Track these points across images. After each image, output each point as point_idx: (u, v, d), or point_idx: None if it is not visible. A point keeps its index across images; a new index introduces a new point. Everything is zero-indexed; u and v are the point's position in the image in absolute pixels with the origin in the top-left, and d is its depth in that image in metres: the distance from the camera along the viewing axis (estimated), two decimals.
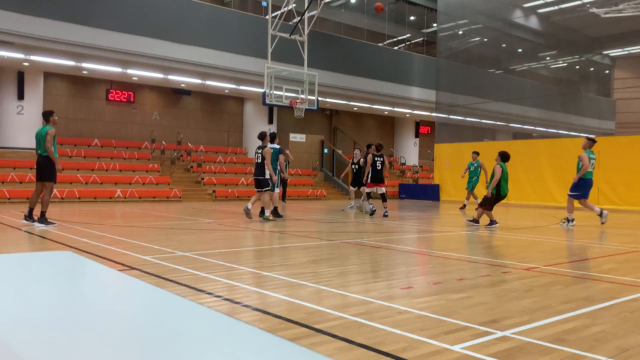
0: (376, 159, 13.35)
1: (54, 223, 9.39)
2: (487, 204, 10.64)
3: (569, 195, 11.18)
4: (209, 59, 19.59)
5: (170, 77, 20.48)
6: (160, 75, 20.23)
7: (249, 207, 11.22)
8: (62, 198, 17.27)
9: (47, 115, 9.62)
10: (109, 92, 22.06)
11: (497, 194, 10.53)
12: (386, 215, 12.80)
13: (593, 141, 11.40)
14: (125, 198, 18.42)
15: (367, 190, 13.75)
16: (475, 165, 16.04)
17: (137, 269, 5.19)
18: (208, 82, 21.40)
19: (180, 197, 19.41)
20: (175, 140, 23.04)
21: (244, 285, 4.55)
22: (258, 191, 11.53)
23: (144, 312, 1.52)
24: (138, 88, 22.66)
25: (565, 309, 3.84)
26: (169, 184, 20.17)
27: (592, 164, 11.03)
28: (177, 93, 23.64)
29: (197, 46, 19.32)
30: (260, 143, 11.98)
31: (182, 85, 22.17)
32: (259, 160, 11.45)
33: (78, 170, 19.05)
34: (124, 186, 18.97)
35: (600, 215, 10.94)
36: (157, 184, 19.85)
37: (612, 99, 32.49)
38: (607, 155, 17.86)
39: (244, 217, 11.46)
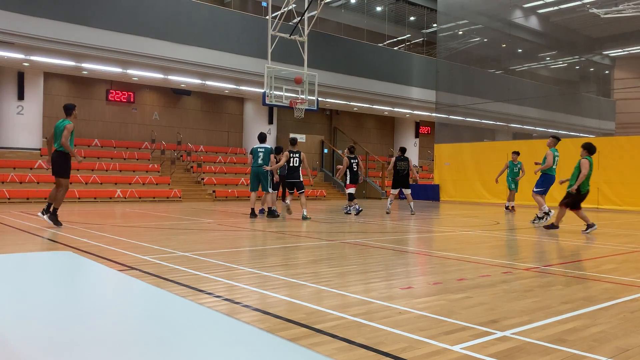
0: (352, 161, 13.94)
1: (61, 225, 9.25)
2: (572, 202, 9.86)
3: (535, 192, 11.54)
4: (209, 59, 19.60)
5: (170, 77, 20.49)
6: (160, 76, 20.24)
7: (288, 202, 12.51)
8: None
9: (69, 109, 9.25)
10: (109, 92, 22.06)
11: (578, 192, 9.87)
12: (348, 213, 13.54)
13: (557, 139, 11.88)
14: (125, 198, 18.43)
15: (349, 191, 13.97)
16: (519, 166, 15.98)
17: (137, 269, 5.19)
18: (208, 82, 21.42)
19: (180, 197, 19.41)
20: (175, 140, 23.05)
21: (243, 285, 4.55)
22: (290, 192, 12.68)
23: (144, 312, 1.52)
24: (138, 88, 22.66)
25: (565, 309, 3.84)
26: (169, 184, 20.18)
27: (556, 162, 11.56)
28: (177, 93, 23.65)
29: (197, 46, 19.34)
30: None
31: (182, 85, 22.18)
32: (297, 164, 12.36)
33: (78, 170, 19.04)
34: (124, 186, 18.98)
35: (547, 214, 11.18)
36: (157, 184, 19.86)
37: (612, 99, 32.49)
38: (607, 156, 17.87)
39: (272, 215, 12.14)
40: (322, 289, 4.46)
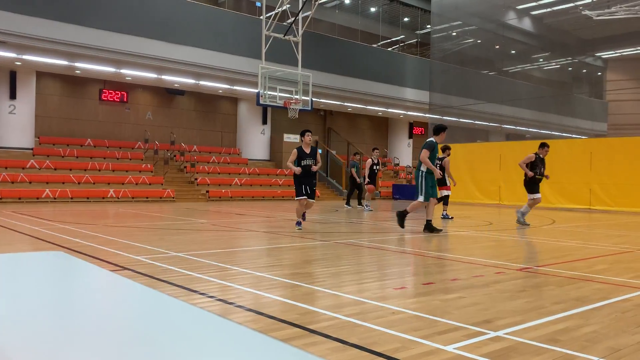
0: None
1: None
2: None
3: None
4: (203, 59, 19.57)
5: (164, 77, 20.42)
6: (153, 75, 20.17)
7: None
8: (55, 198, 17.18)
9: None
10: (102, 92, 21.97)
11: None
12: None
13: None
14: (118, 198, 18.35)
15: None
16: None
17: (130, 269, 5.16)
18: (202, 82, 21.37)
19: (173, 198, 19.35)
20: (169, 140, 22.98)
21: (237, 285, 4.54)
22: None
23: (136, 313, 1.51)
24: (131, 88, 22.58)
25: (557, 310, 3.86)
26: (162, 184, 20.11)
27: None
28: (170, 93, 23.58)
29: (191, 46, 19.29)
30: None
31: (176, 85, 22.12)
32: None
33: (71, 170, 18.96)
34: (117, 186, 18.90)
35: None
36: (150, 184, 19.79)
37: (604, 100, 32.68)
38: (599, 157, 17.98)
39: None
40: (315, 289, 4.46)
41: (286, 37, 17.92)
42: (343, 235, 8.94)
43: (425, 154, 9.12)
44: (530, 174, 10.83)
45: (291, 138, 25.55)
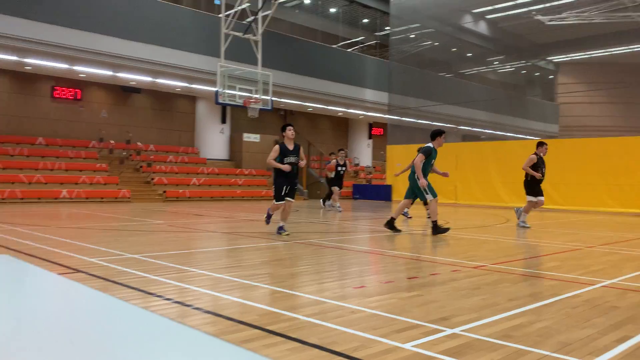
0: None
1: None
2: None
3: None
4: (160, 57, 19.20)
5: (120, 74, 19.93)
6: (109, 73, 19.66)
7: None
8: (3, 199, 16.52)
9: None
10: (54, 89, 21.28)
11: None
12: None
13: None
14: (71, 198, 17.80)
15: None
16: None
17: (83, 272, 5.01)
18: (159, 80, 20.97)
19: (129, 198, 18.92)
20: (125, 139, 22.46)
21: (195, 287, 4.47)
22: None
23: (85, 319, 1.46)
24: (85, 85, 21.96)
25: (511, 306, 3.96)
26: (117, 184, 19.63)
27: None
28: (126, 91, 23.05)
29: (148, 43, 18.90)
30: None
31: (132, 83, 21.63)
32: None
33: (21, 169, 18.27)
34: (70, 186, 18.33)
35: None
36: (105, 184, 19.29)
37: (555, 103, 33.82)
38: (551, 157, 18.46)
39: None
40: (275, 289, 4.44)
41: (246, 36, 17.79)
42: (303, 236, 8.93)
43: (420, 158, 8.90)
44: (539, 175, 10.57)
45: (251, 137, 25.38)
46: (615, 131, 26.51)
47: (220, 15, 17.77)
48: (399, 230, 9.40)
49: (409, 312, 3.74)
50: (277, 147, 8.53)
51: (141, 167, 21.72)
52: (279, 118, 28.87)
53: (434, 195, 9.03)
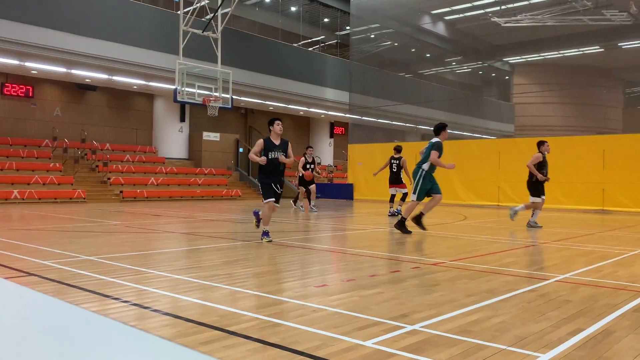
0: (392, 161, 14.64)
1: None
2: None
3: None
4: (117, 54, 18.74)
5: (74, 71, 19.35)
6: (62, 69, 19.07)
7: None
8: None
9: None
10: (5, 86, 20.49)
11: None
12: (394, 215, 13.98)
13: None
14: (23, 199, 17.18)
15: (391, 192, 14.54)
16: None
17: (37, 275, 4.84)
18: (115, 78, 20.46)
19: (84, 198, 18.40)
20: (79, 137, 21.84)
21: (153, 289, 4.38)
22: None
23: (35, 325, 1.41)
24: (37, 82, 21.23)
25: (469, 302, 4.04)
26: (72, 184, 19.06)
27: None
28: (81, 88, 22.41)
29: (104, 40, 18.42)
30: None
31: (87, 80, 21.03)
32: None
33: None
34: (22, 187, 17.69)
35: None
36: (59, 184, 18.69)
37: (511, 103, 34.72)
38: (507, 156, 19.07)
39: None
40: (236, 290, 4.40)
41: (205, 33, 17.56)
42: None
43: (435, 155, 8.76)
44: (542, 177, 10.36)
45: (211, 136, 25.08)
46: (567, 131, 27.42)
47: (179, 12, 17.49)
48: (409, 232, 9.07)
49: (370, 309, 3.76)
50: (260, 141, 7.87)
51: (97, 166, 21.17)
52: (239, 117, 28.64)
53: (419, 198, 9.01)
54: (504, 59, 33.25)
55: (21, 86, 20.87)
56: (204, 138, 24.80)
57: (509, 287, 4.65)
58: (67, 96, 22.30)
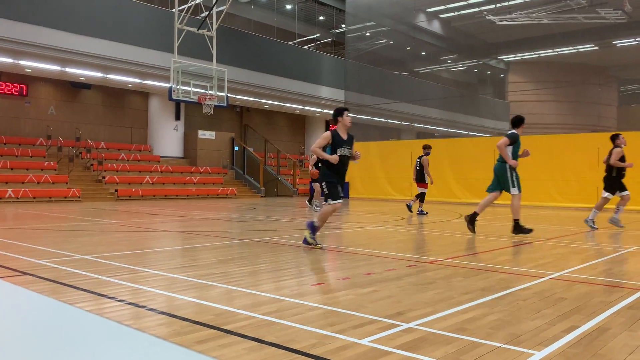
0: (417, 159, 14.61)
1: None
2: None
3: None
4: (112, 52, 18.67)
5: (68, 69, 19.27)
6: (57, 68, 18.98)
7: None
8: None
9: None
10: None
11: None
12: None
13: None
14: (17, 198, 17.12)
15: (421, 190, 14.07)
16: None
17: (31, 275, 4.82)
18: (110, 76, 20.39)
19: (79, 197, 18.34)
20: (74, 136, 21.77)
21: (149, 288, 4.38)
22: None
23: (30, 325, 1.41)
24: (32, 80, 21.14)
25: (465, 300, 4.05)
26: (66, 183, 19.00)
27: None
28: (75, 87, 22.33)
29: (99, 38, 18.35)
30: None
31: (82, 78, 20.95)
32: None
33: None
34: (17, 185, 17.62)
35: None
36: (53, 183, 18.63)
37: (506, 101, 34.81)
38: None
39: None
40: (232, 288, 4.39)
41: (200, 31, 17.52)
42: (260, 233, 8.88)
43: (504, 142, 8.51)
44: (628, 165, 9.69)
45: (206, 135, 25.04)
46: (562, 128, 27.51)
47: (173, 10, 17.43)
48: (529, 230, 8.66)
49: (366, 307, 3.77)
50: (328, 134, 6.80)
51: (92, 165, 21.10)
52: (235, 115, 28.59)
53: (520, 189, 8.73)
54: (499, 57, 33.30)
55: (15, 84, 20.77)
56: (199, 136, 24.74)
57: (504, 284, 4.67)
58: (61, 94, 22.21)
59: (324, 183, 6.86)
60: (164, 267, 5.40)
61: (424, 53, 31.16)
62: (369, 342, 2.98)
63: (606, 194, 9.91)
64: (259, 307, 3.76)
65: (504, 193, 8.98)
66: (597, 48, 28.43)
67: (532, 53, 31.37)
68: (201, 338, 3.01)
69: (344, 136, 6.88)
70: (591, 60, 29.92)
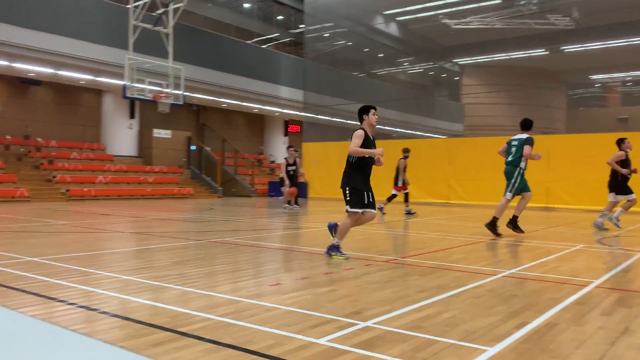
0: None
1: None
2: None
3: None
4: (63, 47, 18.06)
5: (16, 65, 18.52)
6: (3, 63, 18.22)
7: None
8: None
9: None
10: None
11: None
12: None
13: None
14: None
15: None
16: None
17: None
18: (61, 72, 19.72)
19: (28, 197, 17.68)
20: (23, 134, 20.97)
21: (101, 290, 4.26)
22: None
23: None
24: None
25: (420, 298, 4.11)
26: (14, 183, 18.28)
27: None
28: (24, 83, 21.49)
29: (49, 32, 17.71)
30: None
31: (31, 74, 20.18)
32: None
33: None
34: None
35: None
36: (0, 182, 17.89)
37: (461, 103, 35.60)
38: (456, 155, 19.54)
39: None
40: (188, 290, 4.33)
41: (156, 28, 17.19)
42: (218, 234, 8.78)
43: (529, 150, 8.62)
44: (627, 171, 9.63)
45: (162, 133, 24.57)
46: (514, 131, 28.24)
47: (128, 6, 17.02)
48: (499, 234, 8.73)
49: (324, 307, 3.78)
50: (362, 132, 6.18)
51: (42, 164, 20.37)
52: (191, 114, 28.17)
53: (513, 196, 8.84)
54: (454, 60, 34.05)
55: None
56: (155, 135, 24.25)
57: (458, 282, 4.77)
58: (9, 91, 21.35)
59: (351, 188, 6.34)
60: (118, 269, 5.26)
61: (381, 55, 31.52)
62: (326, 341, 2.99)
63: (618, 197, 9.83)
64: (215, 308, 3.72)
65: (500, 192, 9.17)
66: (547, 53, 29.45)
67: (485, 57, 32.21)
68: (156, 341, 2.95)
69: (372, 134, 6.32)
70: (542, 64, 30.99)
